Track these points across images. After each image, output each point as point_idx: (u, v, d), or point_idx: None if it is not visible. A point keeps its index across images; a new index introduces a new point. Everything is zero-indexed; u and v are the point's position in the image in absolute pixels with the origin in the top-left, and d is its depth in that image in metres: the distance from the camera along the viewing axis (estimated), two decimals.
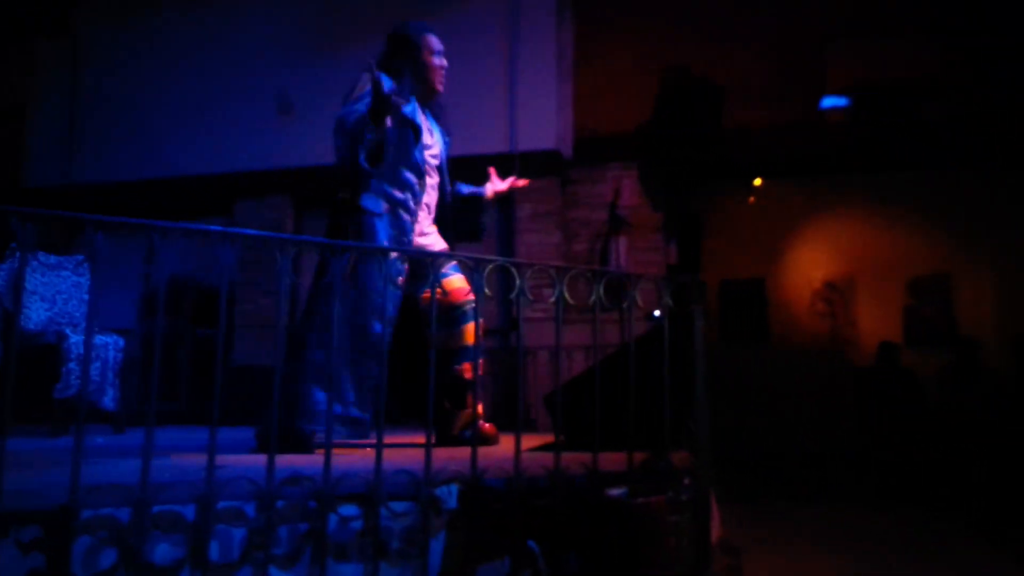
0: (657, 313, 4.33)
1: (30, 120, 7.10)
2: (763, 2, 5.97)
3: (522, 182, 3.27)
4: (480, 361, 2.91)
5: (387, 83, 2.78)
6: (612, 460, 2.07)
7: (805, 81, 5.97)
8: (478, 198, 3.19)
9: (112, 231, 1.66)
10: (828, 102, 6.02)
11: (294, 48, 6.33)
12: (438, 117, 3.09)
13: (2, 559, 1.47)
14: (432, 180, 3.02)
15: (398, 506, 1.72)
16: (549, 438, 3.17)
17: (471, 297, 2.96)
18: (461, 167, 3.56)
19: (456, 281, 2.99)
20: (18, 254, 4.20)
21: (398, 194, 2.84)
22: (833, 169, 6.75)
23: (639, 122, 5.59)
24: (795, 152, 6.12)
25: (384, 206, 2.79)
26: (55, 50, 7.05)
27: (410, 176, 2.87)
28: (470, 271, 1.88)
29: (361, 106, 2.67)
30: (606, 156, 5.70)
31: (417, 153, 2.88)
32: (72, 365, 4.06)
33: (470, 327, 2.93)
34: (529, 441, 2.69)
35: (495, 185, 3.23)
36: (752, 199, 7.14)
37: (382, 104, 2.57)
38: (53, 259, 4.44)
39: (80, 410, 1.62)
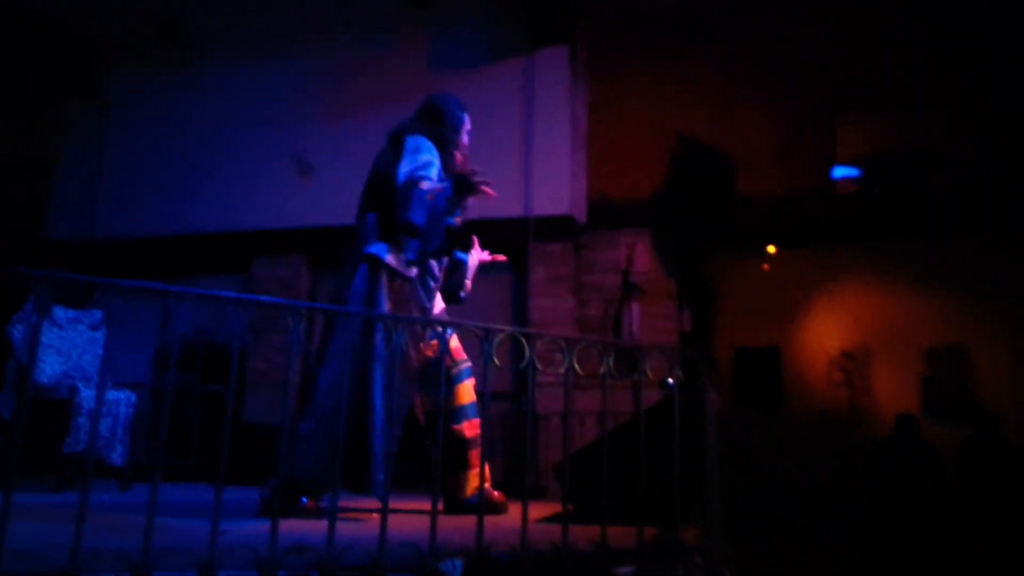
0: (670, 381, 4.28)
1: (56, 175, 7.28)
2: (773, 73, 6.10)
3: (501, 257, 3.31)
4: (476, 421, 2.92)
5: (434, 149, 2.86)
6: (621, 535, 2.02)
7: (815, 150, 6.05)
8: (462, 264, 3.20)
9: (128, 295, 1.68)
10: (839, 172, 6.08)
11: (313, 111, 6.51)
12: None
13: None
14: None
15: None
16: (559, 507, 3.11)
17: (464, 356, 3.02)
18: (476, 231, 3.61)
19: (451, 341, 3.01)
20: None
21: (430, 262, 2.91)
22: (847, 237, 6.76)
23: (652, 189, 5.66)
24: (808, 220, 6.15)
25: (415, 272, 2.84)
26: (83, 108, 7.29)
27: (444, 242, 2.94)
28: (479, 340, 1.88)
29: (439, 184, 2.71)
30: (619, 222, 5.76)
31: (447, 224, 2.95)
32: (82, 420, 4.06)
33: (464, 386, 2.97)
34: (539, 510, 2.64)
35: (479, 254, 3.25)
36: (766, 266, 7.15)
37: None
38: (71, 314, 4.49)
39: (85, 472, 1.61)
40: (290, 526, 1.97)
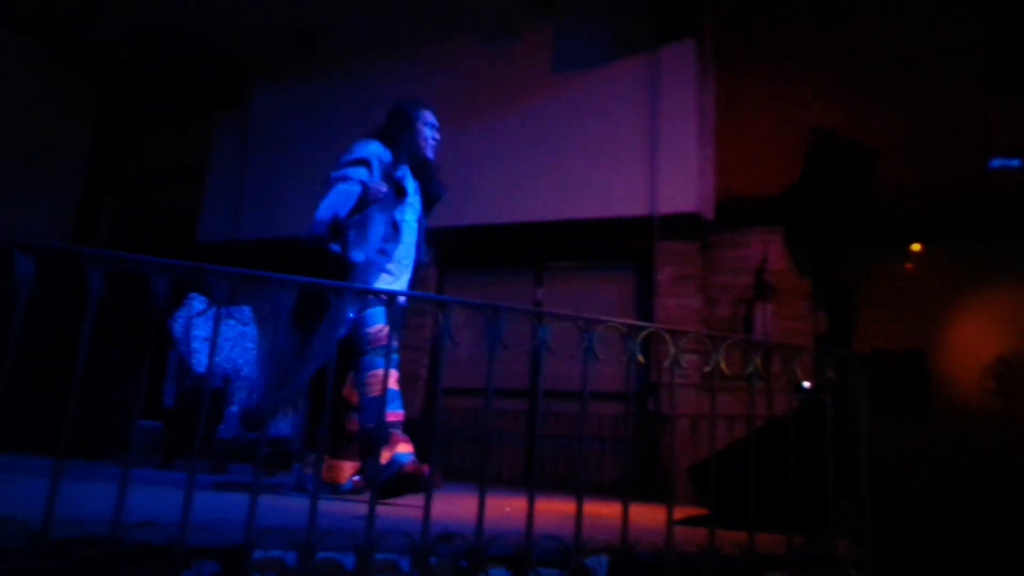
0: (806, 384, 4.09)
1: (206, 182, 7.88)
2: (916, 56, 5.70)
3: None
4: None
5: (384, 152, 3.21)
6: (767, 541, 1.96)
7: (968, 140, 5.60)
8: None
9: (292, 288, 1.79)
10: (996, 162, 5.60)
11: (438, 114, 6.63)
12: (429, 179, 3.42)
13: None
14: (409, 238, 3.29)
15: (548, 572, 1.71)
16: (689, 510, 3.05)
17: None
18: (600, 229, 3.63)
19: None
20: (194, 303, 4.60)
21: (382, 247, 3.13)
22: (1002, 233, 6.22)
23: (784, 184, 5.42)
24: (958, 216, 5.71)
25: (363, 257, 3.07)
26: (230, 120, 7.84)
27: (390, 232, 3.18)
28: (623, 336, 1.87)
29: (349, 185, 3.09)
30: (749, 219, 5.56)
31: (397, 212, 3.21)
32: (234, 408, 4.37)
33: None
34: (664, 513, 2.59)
35: None
36: (909, 265, 6.69)
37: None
38: (223, 310, 4.82)
39: (259, 459, 1.73)
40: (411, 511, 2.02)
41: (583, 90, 6.08)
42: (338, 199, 3.08)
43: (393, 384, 3.00)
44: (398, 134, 3.33)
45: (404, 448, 2.84)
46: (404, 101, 3.48)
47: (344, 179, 3.13)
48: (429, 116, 3.46)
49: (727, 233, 5.58)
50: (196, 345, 4.64)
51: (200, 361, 4.59)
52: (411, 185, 3.34)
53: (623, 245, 5.69)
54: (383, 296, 1.79)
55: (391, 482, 2.72)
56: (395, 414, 2.95)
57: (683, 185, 5.52)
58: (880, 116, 5.60)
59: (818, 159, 5.12)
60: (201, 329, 4.72)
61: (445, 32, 6.73)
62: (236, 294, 1.75)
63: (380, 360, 2.89)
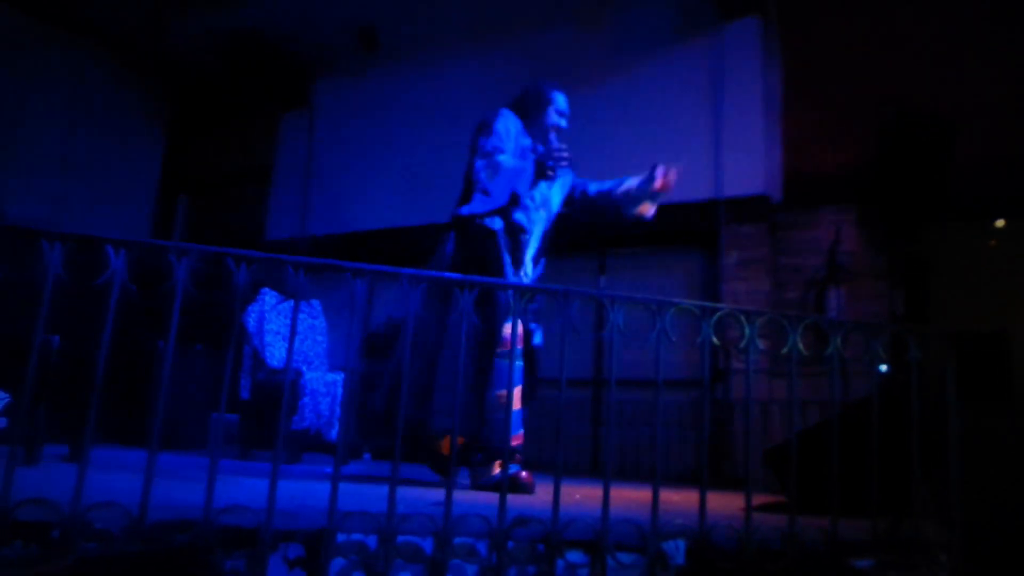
0: (883, 368, 3.96)
1: (274, 181, 8.10)
2: (998, 24, 5.40)
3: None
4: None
5: (518, 123, 3.24)
6: (850, 527, 1.90)
7: None
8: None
9: (365, 276, 1.83)
10: None
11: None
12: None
13: (271, 572, 1.63)
14: (542, 214, 3.29)
15: (625, 557, 1.70)
16: (763, 498, 2.99)
17: None
18: (663, 214, 3.60)
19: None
20: (266, 298, 4.72)
21: (519, 218, 3.16)
22: None
23: (857, 161, 5.23)
24: None
25: (502, 224, 3.11)
26: (295, 119, 8.04)
27: (529, 204, 3.21)
28: (698, 318, 1.84)
29: (512, 163, 3.11)
30: (820, 199, 5.37)
31: (535, 189, 3.23)
32: (306, 399, 4.48)
33: None
34: (739, 500, 2.55)
35: (659, 179, 3.49)
36: (993, 242, 6.36)
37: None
38: (292, 302, 4.95)
39: (339, 449, 1.77)
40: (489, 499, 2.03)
41: (644, 73, 6.00)
42: (514, 176, 3.07)
43: (517, 403, 2.97)
44: (532, 113, 3.31)
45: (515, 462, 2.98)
46: (542, 84, 3.42)
47: (500, 152, 3.14)
48: (561, 102, 3.39)
49: (796, 214, 5.41)
50: (269, 339, 4.78)
51: (273, 354, 4.72)
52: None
53: (687, 230, 5.59)
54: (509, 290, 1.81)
55: (500, 484, 2.79)
56: (517, 437, 2.98)
57: (749, 167, 5.38)
58: (963, 82, 5.32)
59: (896, 134, 4.92)
60: (273, 323, 4.86)
61: (505, 22, 6.73)
62: (308, 286, 1.80)
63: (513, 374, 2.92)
